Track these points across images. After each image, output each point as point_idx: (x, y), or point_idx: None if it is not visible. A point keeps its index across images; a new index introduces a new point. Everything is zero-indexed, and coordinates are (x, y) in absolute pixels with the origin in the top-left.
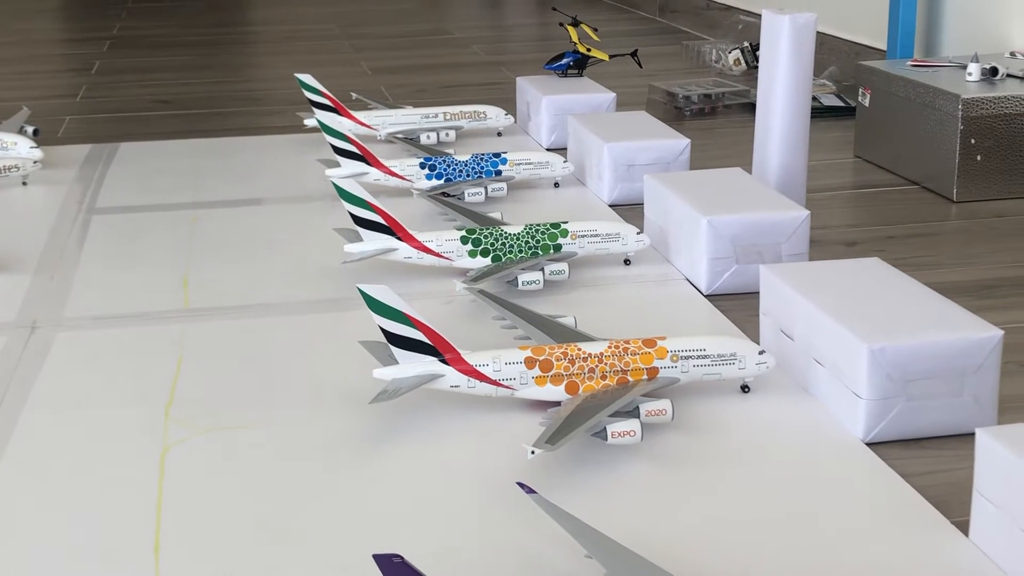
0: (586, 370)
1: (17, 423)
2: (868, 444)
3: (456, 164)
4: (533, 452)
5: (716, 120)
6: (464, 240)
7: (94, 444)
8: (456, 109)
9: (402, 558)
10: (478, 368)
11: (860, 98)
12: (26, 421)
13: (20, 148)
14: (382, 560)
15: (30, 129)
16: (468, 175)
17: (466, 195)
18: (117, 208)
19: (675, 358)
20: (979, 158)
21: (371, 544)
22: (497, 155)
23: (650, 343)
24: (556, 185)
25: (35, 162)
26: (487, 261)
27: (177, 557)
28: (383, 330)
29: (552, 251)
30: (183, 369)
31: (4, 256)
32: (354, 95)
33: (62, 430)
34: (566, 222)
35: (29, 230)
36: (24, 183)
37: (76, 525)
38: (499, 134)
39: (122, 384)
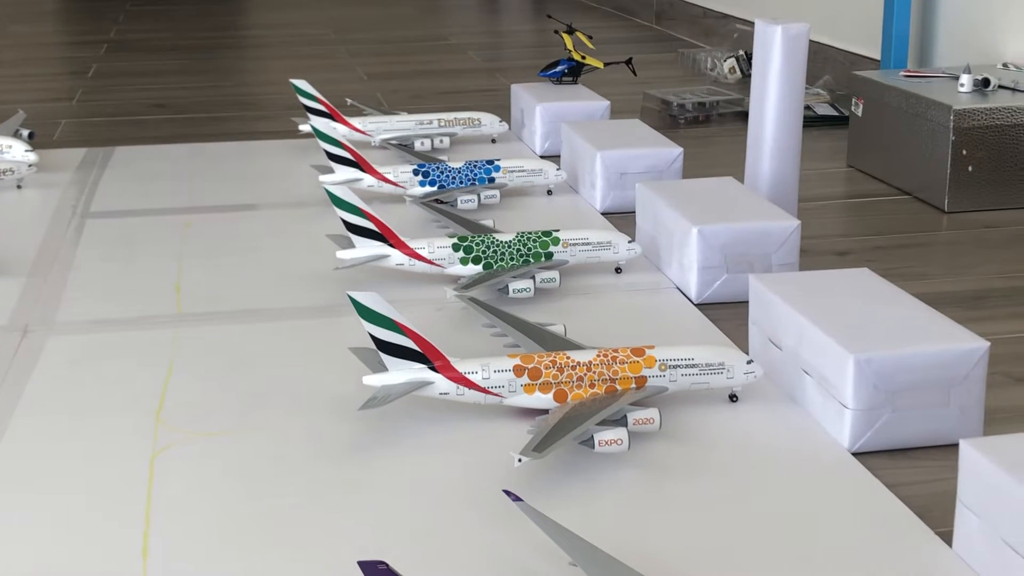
0: (575, 378)
1: (7, 427)
2: (854, 454)
3: (449, 171)
4: (520, 460)
5: (710, 128)
6: (456, 247)
7: (84, 448)
8: (451, 116)
9: (387, 564)
10: (467, 375)
11: (853, 107)
12: (16, 425)
13: (15, 151)
14: (367, 567)
15: (25, 132)
16: (461, 182)
17: (459, 202)
18: (111, 212)
19: (663, 367)
20: (970, 169)
21: (356, 550)
22: (490, 162)
23: (639, 352)
24: (549, 193)
25: (30, 165)
26: (478, 268)
27: (165, 562)
28: (373, 337)
29: (543, 259)
30: (174, 374)
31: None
32: (349, 101)
33: (52, 434)
34: (558, 230)
35: (23, 233)
36: (19, 186)
37: (65, 529)
38: (493, 141)
39: (113, 389)
